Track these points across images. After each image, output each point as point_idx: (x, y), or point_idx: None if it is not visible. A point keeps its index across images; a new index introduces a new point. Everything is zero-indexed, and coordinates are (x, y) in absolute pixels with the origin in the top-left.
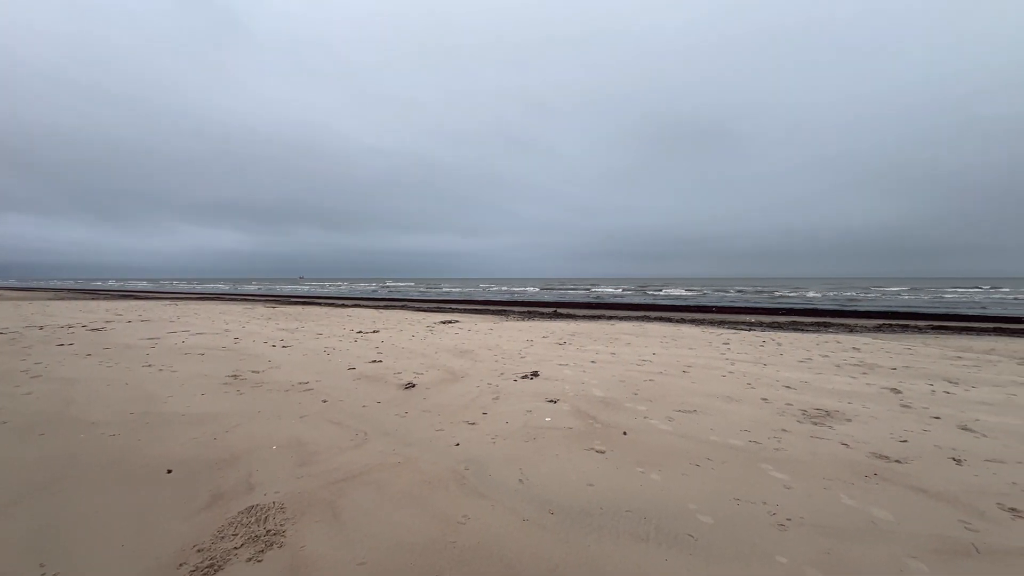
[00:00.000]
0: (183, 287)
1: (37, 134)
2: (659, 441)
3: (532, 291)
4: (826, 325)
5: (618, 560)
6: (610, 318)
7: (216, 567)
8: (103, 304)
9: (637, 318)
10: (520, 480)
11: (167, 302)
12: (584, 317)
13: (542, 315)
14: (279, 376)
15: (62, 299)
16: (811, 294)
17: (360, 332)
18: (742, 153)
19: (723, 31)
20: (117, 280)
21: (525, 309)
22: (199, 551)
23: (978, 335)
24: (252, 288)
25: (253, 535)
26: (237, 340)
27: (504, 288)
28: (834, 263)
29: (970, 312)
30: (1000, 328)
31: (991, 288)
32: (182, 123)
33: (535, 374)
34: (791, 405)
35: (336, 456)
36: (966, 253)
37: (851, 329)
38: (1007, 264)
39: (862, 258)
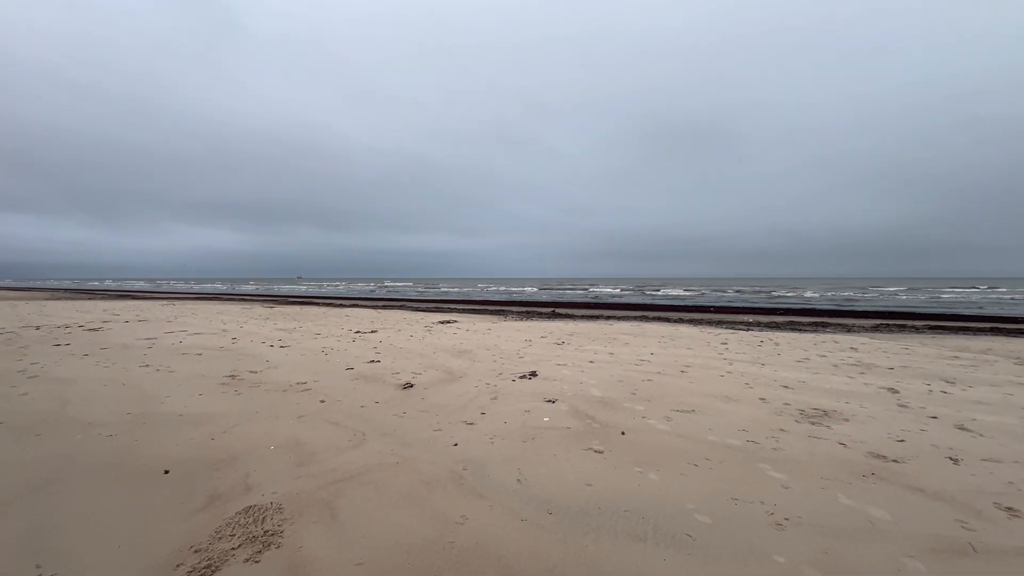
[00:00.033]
0: (181, 287)
1: (36, 134)
2: (657, 441)
3: (530, 291)
4: (824, 325)
5: (616, 560)
6: (608, 318)
7: (213, 568)
8: (100, 304)
9: (635, 318)
10: (518, 480)
11: (164, 302)
12: (582, 317)
13: (540, 315)
14: (277, 376)
15: (59, 299)
16: (809, 294)
17: (358, 332)
18: (742, 153)
19: (723, 31)
20: (114, 280)
21: (523, 309)
22: (196, 552)
23: (975, 335)
24: (250, 288)
25: (251, 536)
26: (235, 340)
27: (502, 288)
28: (832, 263)
29: (967, 312)
30: (997, 328)
31: (988, 288)
32: (181, 123)
33: (533, 374)
34: (789, 405)
35: (334, 456)
36: (965, 253)
37: (848, 329)
38: (1006, 264)
39: (860, 258)
